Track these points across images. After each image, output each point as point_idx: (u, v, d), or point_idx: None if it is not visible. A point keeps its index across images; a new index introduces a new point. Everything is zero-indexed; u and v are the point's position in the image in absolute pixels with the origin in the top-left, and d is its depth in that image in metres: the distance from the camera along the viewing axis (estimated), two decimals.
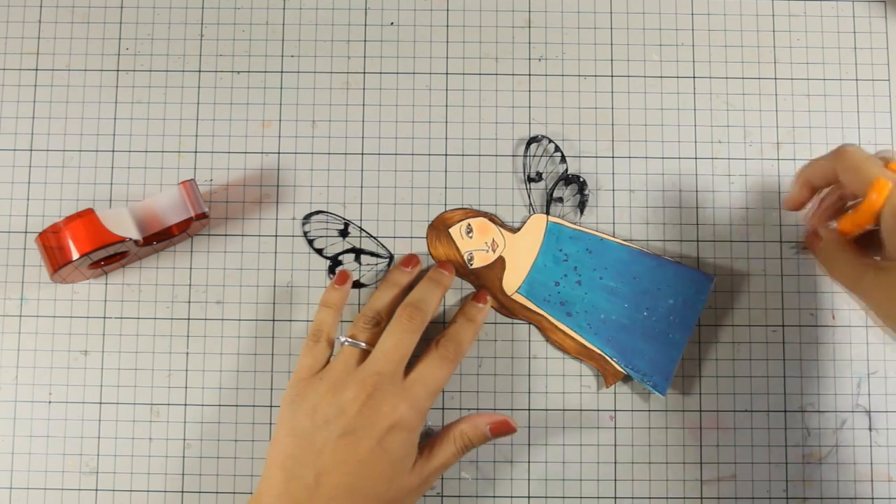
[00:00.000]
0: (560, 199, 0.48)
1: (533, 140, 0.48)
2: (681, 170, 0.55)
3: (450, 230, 0.48)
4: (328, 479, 0.41)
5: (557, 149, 0.48)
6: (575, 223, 0.47)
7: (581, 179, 0.48)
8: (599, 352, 0.47)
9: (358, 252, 0.49)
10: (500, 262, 0.47)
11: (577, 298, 0.47)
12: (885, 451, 0.52)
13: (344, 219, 0.49)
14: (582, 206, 0.48)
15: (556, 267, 0.47)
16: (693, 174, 0.55)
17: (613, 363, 0.47)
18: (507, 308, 0.48)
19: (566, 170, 0.48)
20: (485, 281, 0.47)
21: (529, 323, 0.49)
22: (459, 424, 0.46)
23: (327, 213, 0.49)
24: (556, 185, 0.48)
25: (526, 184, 0.47)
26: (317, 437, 0.42)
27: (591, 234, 0.47)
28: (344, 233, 0.49)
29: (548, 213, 0.47)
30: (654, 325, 0.47)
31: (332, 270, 0.49)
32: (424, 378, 0.44)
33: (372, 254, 0.49)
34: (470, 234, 0.48)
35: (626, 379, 0.50)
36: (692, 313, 0.46)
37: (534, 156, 0.48)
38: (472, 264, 0.47)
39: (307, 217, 0.51)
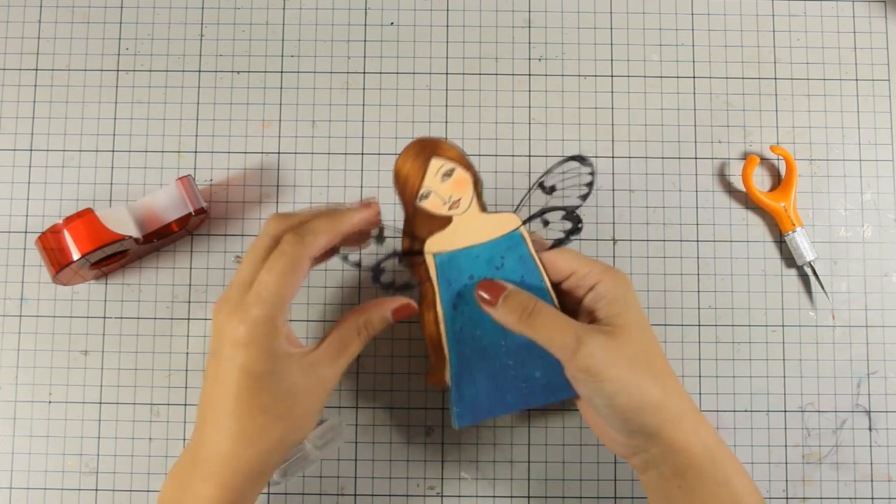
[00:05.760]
0: (547, 223, 0.44)
1: (578, 159, 0.43)
2: (681, 170, 0.55)
3: (432, 159, 0.43)
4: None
5: (590, 185, 0.44)
6: (536, 250, 0.44)
7: (579, 226, 0.44)
8: (446, 353, 0.44)
9: (400, 255, 0.44)
10: (445, 221, 0.43)
11: (473, 303, 0.43)
12: (885, 451, 0.52)
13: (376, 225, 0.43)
14: (559, 242, 0.44)
15: (484, 266, 0.43)
16: (693, 174, 0.55)
17: (447, 371, 0.43)
18: (412, 258, 0.43)
19: (577, 206, 0.44)
20: (417, 222, 0.43)
21: (411, 286, 0.44)
22: (360, 314, 0.42)
23: None
24: (555, 211, 0.44)
25: (532, 187, 0.44)
26: None
27: (538, 272, 0.44)
28: (379, 238, 0.44)
29: (524, 223, 0.44)
30: (506, 376, 0.44)
31: (376, 280, 0.44)
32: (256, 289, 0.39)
33: (414, 253, 0.43)
34: (445, 179, 0.43)
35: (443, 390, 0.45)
36: (540, 398, 0.44)
37: (564, 173, 0.44)
38: (420, 201, 0.43)
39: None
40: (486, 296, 0.42)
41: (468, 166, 0.43)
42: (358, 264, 0.44)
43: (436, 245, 0.43)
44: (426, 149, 0.43)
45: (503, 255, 0.44)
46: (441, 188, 0.43)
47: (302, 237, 0.39)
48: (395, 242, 0.44)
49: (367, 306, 0.42)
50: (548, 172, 0.44)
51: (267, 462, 0.40)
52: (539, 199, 0.44)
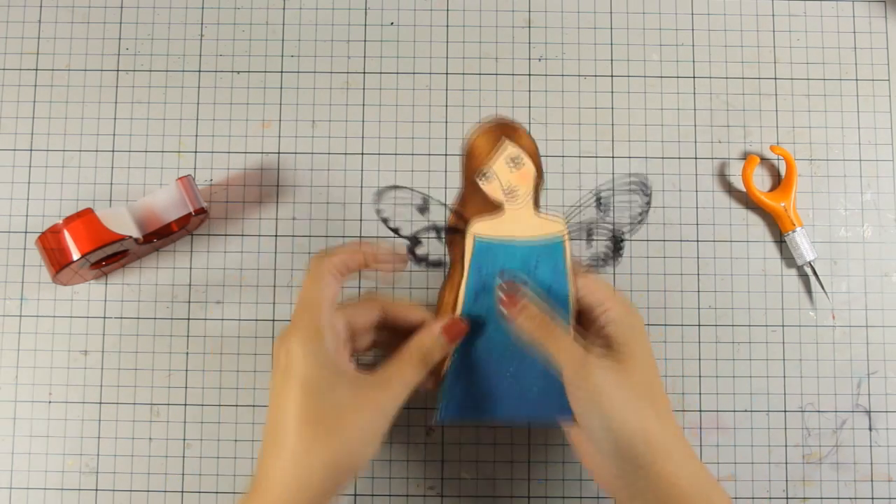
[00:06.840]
0: (590, 237, 0.43)
1: (640, 185, 0.43)
2: (680, 169, 0.55)
3: (506, 143, 0.42)
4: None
5: (642, 216, 0.43)
6: (572, 267, 0.43)
7: (620, 251, 0.43)
8: None
9: (440, 230, 0.42)
10: (497, 207, 0.42)
11: (493, 299, 0.43)
12: (885, 451, 0.52)
13: (423, 193, 0.42)
14: (596, 263, 0.43)
15: (518, 264, 0.42)
16: (693, 174, 0.55)
17: (446, 361, 0.43)
18: (453, 234, 0.43)
19: (623, 233, 0.43)
20: (469, 199, 0.43)
21: (441, 264, 0.44)
22: (419, 346, 0.42)
23: (404, 187, 0.43)
24: (601, 230, 0.43)
25: (591, 197, 0.43)
26: None
27: (566, 286, 0.42)
28: (423, 209, 0.43)
29: (569, 231, 0.42)
30: (503, 382, 0.43)
31: (411, 251, 0.43)
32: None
33: (454, 230, 0.42)
34: (513, 167, 0.42)
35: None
36: (529, 412, 0.44)
37: (623, 192, 0.43)
38: (479, 178, 0.42)
39: (379, 193, 0.43)
40: (503, 297, 0.42)
41: (537, 162, 0.43)
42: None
43: (479, 228, 0.43)
44: (503, 129, 0.42)
45: (538, 259, 0.43)
46: (504, 173, 0.42)
47: (322, 257, 0.42)
48: (437, 217, 0.43)
49: (422, 335, 0.42)
50: (609, 186, 0.43)
51: (319, 486, 0.38)
52: (589, 212, 0.43)
